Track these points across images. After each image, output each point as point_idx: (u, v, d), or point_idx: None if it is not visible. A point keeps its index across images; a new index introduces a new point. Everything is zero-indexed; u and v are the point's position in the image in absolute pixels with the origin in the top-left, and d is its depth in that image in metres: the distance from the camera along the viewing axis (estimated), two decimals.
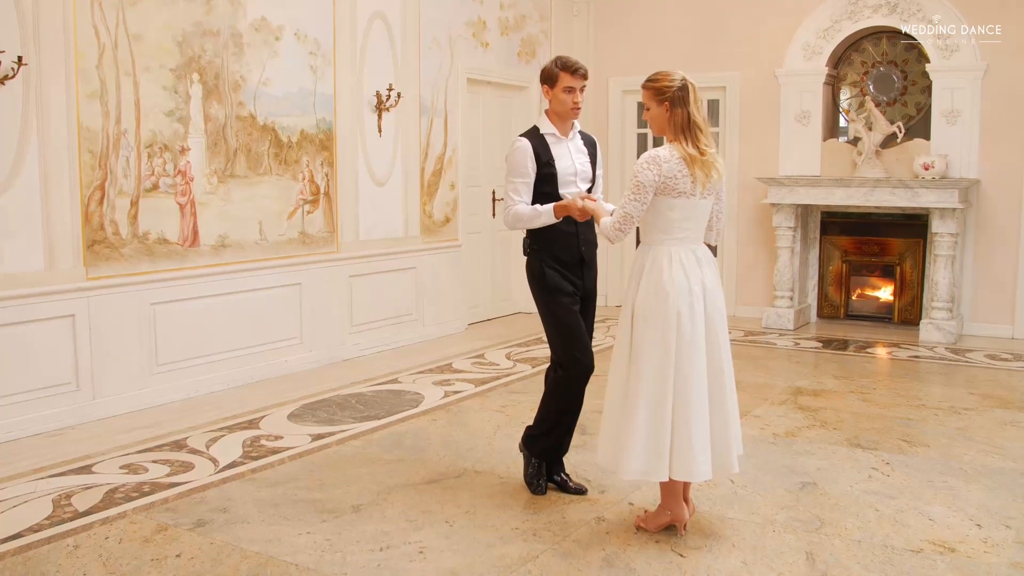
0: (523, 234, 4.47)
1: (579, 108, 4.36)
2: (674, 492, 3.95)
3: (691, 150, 3.82)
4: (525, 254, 4.45)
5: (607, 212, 4.12)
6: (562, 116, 4.38)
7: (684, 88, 3.83)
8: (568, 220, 4.29)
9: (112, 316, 5.78)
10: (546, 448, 4.51)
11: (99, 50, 5.61)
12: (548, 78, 4.34)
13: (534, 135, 4.40)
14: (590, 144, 4.53)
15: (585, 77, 4.33)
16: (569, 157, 4.39)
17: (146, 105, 5.88)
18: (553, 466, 4.56)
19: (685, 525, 3.99)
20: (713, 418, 3.90)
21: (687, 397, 3.82)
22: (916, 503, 4.39)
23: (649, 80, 3.93)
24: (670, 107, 3.85)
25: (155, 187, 5.97)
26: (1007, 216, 8.47)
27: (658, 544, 3.91)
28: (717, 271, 4.02)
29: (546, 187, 4.35)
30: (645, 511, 4.18)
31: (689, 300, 3.83)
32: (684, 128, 3.84)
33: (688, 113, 3.83)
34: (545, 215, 4.27)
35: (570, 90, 4.31)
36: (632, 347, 3.93)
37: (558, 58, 4.38)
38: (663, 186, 3.81)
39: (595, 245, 4.49)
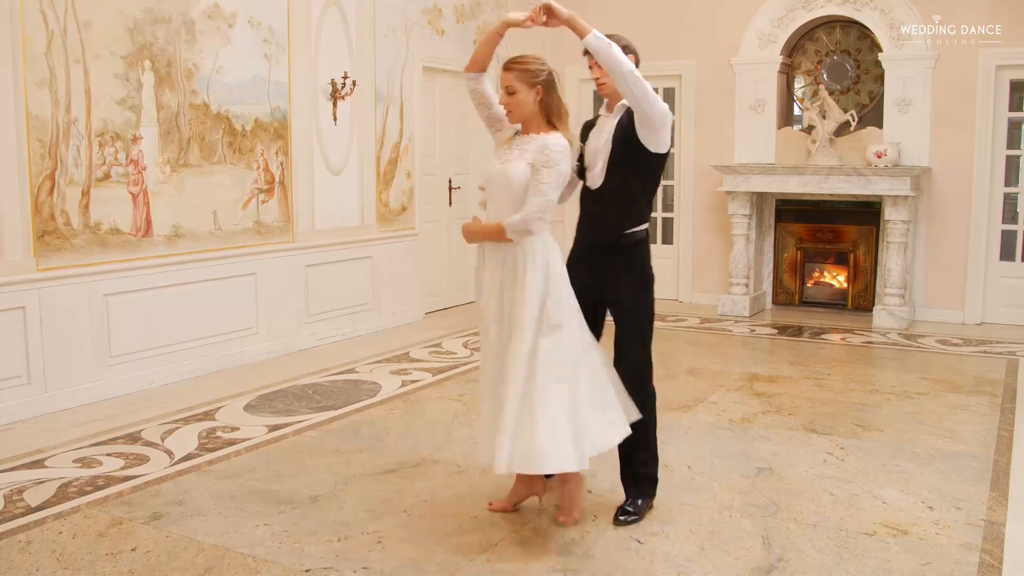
0: None
1: (601, 85, 4.01)
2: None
3: (568, 137, 3.77)
4: None
5: (502, 219, 3.75)
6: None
7: (553, 72, 3.75)
8: (588, 200, 4.09)
9: (64, 308, 5.68)
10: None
11: (48, 36, 5.50)
12: None
13: (593, 118, 4.26)
14: (626, 116, 3.95)
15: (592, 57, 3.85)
16: (597, 136, 4.06)
17: (97, 93, 5.78)
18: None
19: (541, 497, 4.15)
20: (501, 415, 3.71)
21: (483, 388, 3.94)
22: (870, 487, 4.46)
23: (515, 62, 3.73)
24: (544, 91, 3.72)
25: (107, 176, 5.88)
26: (957, 203, 8.60)
27: (616, 531, 3.93)
28: (537, 260, 3.71)
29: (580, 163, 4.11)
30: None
31: (499, 297, 3.82)
32: (559, 114, 3.76)
33: (560, 98, 3.76)
34: None
35: (589, 68, 4.06)
36: None
37: None
38: None
39: (613, 229, 4.03)
